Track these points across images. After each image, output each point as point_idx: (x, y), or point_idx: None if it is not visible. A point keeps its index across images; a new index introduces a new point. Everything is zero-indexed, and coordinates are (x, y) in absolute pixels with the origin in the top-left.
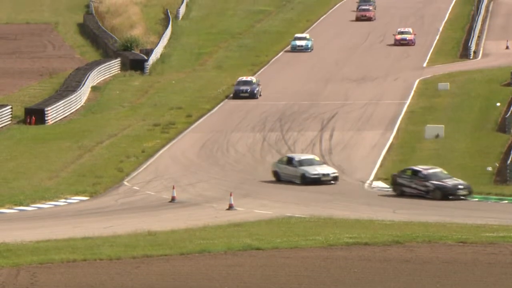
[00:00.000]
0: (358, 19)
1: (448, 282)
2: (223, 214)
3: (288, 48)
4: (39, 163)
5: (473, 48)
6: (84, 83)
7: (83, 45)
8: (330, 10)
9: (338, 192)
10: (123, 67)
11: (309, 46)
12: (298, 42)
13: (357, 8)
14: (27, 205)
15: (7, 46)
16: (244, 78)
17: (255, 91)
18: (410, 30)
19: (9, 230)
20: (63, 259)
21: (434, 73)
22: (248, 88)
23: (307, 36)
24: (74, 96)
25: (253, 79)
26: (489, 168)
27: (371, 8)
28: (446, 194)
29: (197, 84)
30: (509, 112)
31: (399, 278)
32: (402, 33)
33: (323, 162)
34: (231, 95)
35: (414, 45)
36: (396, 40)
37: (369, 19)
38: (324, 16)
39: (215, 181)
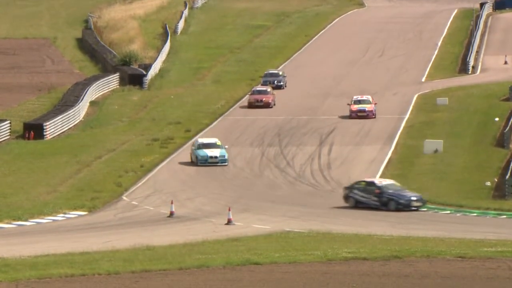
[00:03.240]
0: (250, 105)
1: None
2: (222, 228)
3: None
4: (37, 178)
5: (471, 63)
6: (83, 98)
7: (82, 60)
8: (329, 25)
9: (337, 207)
10: (122, 82)
11: (282, 83)
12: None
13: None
14: (26, 220)
15: (6, 61)
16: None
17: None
18: (370, 98)
19: (8, 245)
20: (61, 274)
21: (432, 88)
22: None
23: (280, 72)
24: (73, 111)
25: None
26: (488, 183)
27: (269, 90)
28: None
29: (195, 99)
30: (508, 127)
31: None
32: (359, 102)
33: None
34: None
35: (374, 117)
36: (351, 111)
37: (266, 105)
38: (322, 30)
39: (214, 196)
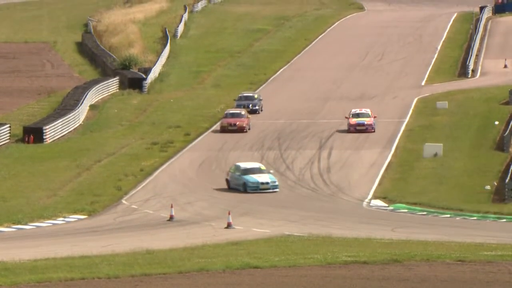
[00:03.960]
0: (223, 129)
1: None
2: (222, 232)
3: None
4: (37, 181)
5: (471, 66)
6: (82, 101)
7: (82, 64)
8: (329, 29)
9: (337, 210)
10: (122, 85)
11: (257, 107)
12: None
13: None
14: (25, 224)
15: (6, 65)
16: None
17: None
18: (369, 111)
19: (7, 249)
20: (61, 278)
21: (432, 91)
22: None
23: (256, 95)
24: (73, 115)
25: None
26: (488, 187)
27: (243, 113)
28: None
29: (195, 103)
30: (507, 130)
31: None
32: (357, 115)
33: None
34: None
35: (374, 131)
36: (349, 125)
37: (240, 129)
38: (322, 34)
39: (214, 200)
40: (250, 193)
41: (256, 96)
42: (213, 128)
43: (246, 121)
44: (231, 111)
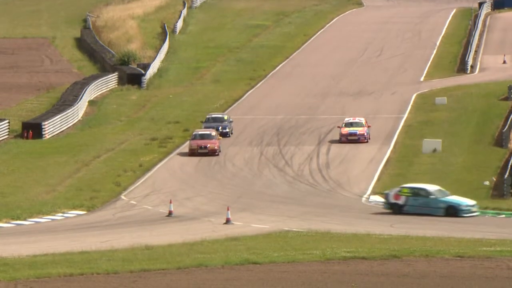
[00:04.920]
0: (192, 152)
1: None
2: (220, 228)
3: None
4: (36, 177)
5: (470, 62)
6: (81, 97)
7: (81, 60)
8: (328, 24)
9: (336, 206)
10: (120, 81)
11: (227, 130)
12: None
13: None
14: (24, 219)
15: (5, 60)
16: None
17: (227, 129)
18: (363, 120)
19: (6, 244)
20: (60, 273)
21: (431, 87)
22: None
23: (226, 116)
24: (71, 111)
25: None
26: (486, 183)
27: (213, 134)
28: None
29: (194, 98)
30: (506, 126)
31: None
32: (350, 124)
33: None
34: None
35: (367, 141)
36: (341, 135)
37: (212, 152)
38: (321, 30)
39: (212, 195)
40: (249, 189)
41: (226, 117)
42: (180, 149)
43: (217, 143)
44: (200, 132)
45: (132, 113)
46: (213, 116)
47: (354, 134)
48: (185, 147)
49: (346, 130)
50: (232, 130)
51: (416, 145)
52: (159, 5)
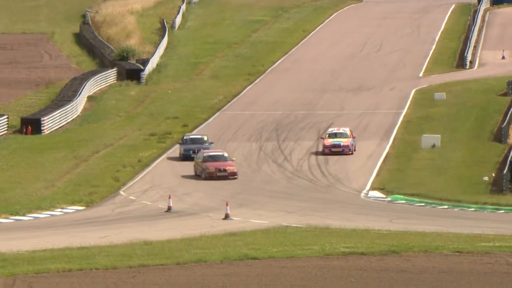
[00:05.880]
0: (211, 176)
1: None
2: (219, 223)
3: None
4: (35, 172)
5: (469, 58)
6: (80, 93)
7: (80, 55)
8: (327, 20)
9: (335, 201)
10: (119, 76)
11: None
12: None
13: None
14: (23, 215)
15: (4, 56)
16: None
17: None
18: (347, 130)
19: (5, 240)
20: (59, 269)
21: (430, 83)
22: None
23: (205, 137)
24: (70, 106)
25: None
26: (485, 178)
27: (225, 154)
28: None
29: (193, 94)
30: (505, 121)
31: (395, 287)
32: (334, 135)
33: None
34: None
35: (351, 153)
36: (324, 146)
37: (232, 175)
38: (320, 25)
39: (211, 191)
40: (248, 185)
41: (205, 138)
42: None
43: (234, 164)
44: (210, 153)
45: (131, 108)
46: (191, 137)
47: (338, 146)
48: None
49: (329, 141)
50: None
51: (415, 140)
52: (158, 0)
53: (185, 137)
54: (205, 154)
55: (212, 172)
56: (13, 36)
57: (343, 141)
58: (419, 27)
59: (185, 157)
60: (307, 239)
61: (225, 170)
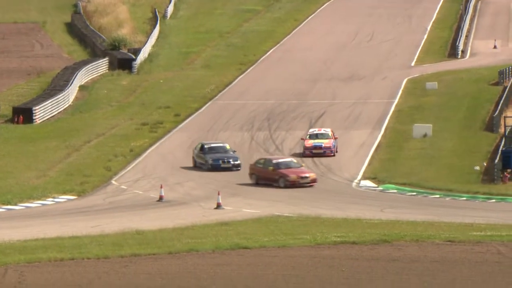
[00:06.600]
0: (293, 184)
1: (436, 281)
2: (211, 213)
3: None
4: (26, 162)
5: (461, 47)
6: (72, 82)
7: (71, 44)
8: (318, 9)
9: (326, 191)
10: (111, 66)
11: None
12: None
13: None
14: (15, 204)
15: None
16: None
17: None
18: (329, 131)
19: None
20: (50, 258)
21: (422, 72)
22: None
23: (227, 145)
24: (62, 95)
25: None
26: (477, 167)
27: (296, 161)
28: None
29: (185, 83)
30: (497, 111)
31: (387, 277)
32: (316, 136)
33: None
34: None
35: (333, 155)
36: (305, 148)
37: (313, 182)
38: (312, 15)
39: (203, 180)
40: (240, 174)
41: (228, 146)
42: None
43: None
44: (280, 160)
45: (123, 98)
46: (212, 145)
47: (319, 147)
48: (176, 132)
49: (310, 142)
50: None
51: (407, 130)
52: None
53: (205, 146)
54: (276, 161)
55: (295, 180)
56: (4, 25)
57: (324, 143)
58: (410, 16)
59: (214, 167)
60: (299, 229)
61: (307, 177)
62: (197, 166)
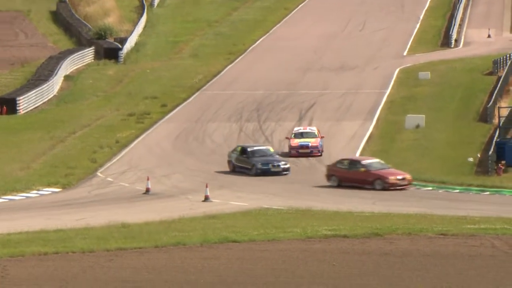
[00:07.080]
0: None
1: (428, 274)
2: (199, 205)
3: None
4: (10, 153)
5: (454, 36)
6: (57, 72)
7: (56, 34)
8: None
9: (317, 183)
10: (97, 55)
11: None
12: None
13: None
14: None
15: None
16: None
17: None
18: (315, 130)
19: None
20: (34, 252)
21: (414, 62)
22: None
23: (271, 148)
24: (47, 86)
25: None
26: (470, 159)
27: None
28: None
29: (172, 73)
30: (491, 101)
31: (378, 271)
32: (301, 135)
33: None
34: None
35: (320, 155)
36: (291, 147)
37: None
38: (302, 3)
39: (191, 172)
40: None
41: (271, 149)
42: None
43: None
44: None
45: (109, 88)
46: (255, 148)
47: (306, 147)
48: (163, 122)
49: (296, 142)
50: None
51: (399, 120)
52: None
53: (247, 149)
54: (365, 162)
55: (394, 182)
56: None
57: (311, 142)
58: (403, 5)
59: (264, 172)
60: (289, 222)
61: (404, 179)
62: (236, 171)
